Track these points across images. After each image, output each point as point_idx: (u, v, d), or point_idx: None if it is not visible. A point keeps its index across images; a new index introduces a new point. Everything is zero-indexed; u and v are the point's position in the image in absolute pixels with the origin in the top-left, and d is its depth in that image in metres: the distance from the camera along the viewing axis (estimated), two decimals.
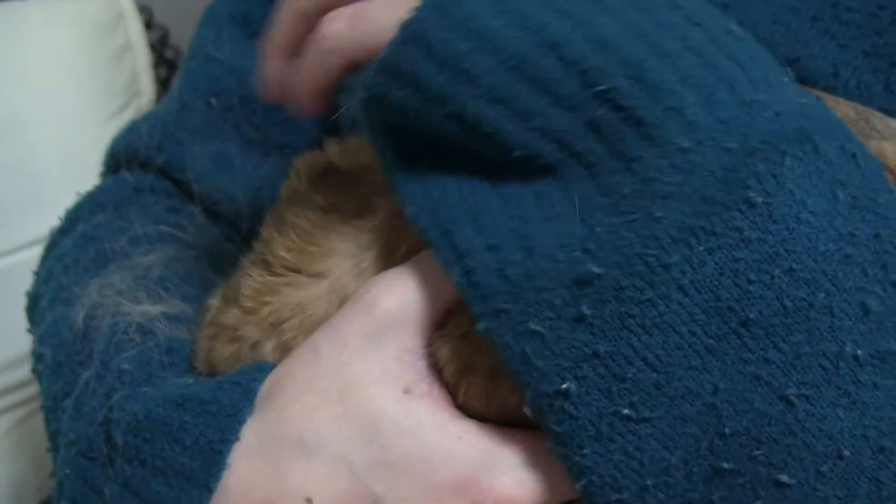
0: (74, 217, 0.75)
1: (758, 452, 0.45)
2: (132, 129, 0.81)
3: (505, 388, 0.49)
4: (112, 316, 0.62)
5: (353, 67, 0.53)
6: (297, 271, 0.56)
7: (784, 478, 0.45)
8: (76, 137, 1.14)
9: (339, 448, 0.50)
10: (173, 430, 0.52)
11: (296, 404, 0.51)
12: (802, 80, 0.60)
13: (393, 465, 0.49)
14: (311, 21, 0.55)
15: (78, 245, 0.70)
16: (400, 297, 0.51)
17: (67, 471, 0.57)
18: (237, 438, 0.51)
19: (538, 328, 0.45)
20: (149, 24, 1.26)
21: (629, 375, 0.44)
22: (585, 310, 0.44)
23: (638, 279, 0.44)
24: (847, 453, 0.45)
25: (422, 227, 0.48)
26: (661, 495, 0.45)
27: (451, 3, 0.47)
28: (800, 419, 0.44)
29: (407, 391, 0.50)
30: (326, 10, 0.54)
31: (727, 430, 0.44)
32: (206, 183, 0.76)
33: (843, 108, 0.55)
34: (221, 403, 0.52)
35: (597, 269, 0.44)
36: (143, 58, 1.21)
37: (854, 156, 0.47)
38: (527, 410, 0.46)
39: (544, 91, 0.46)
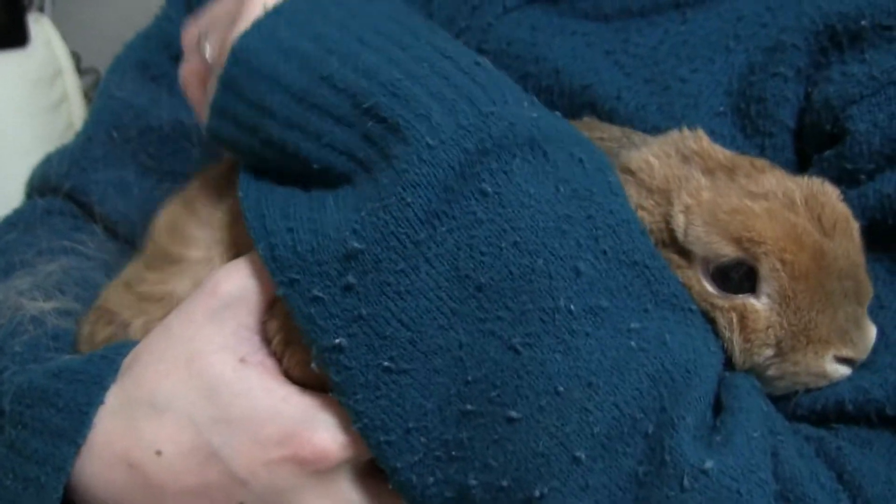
0: None
1: (493, 394, 0.54)
2: (46, 161, 0.91)
3: None
4: (12, 311, 0.71)
5: None
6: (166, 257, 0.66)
7: (514, 413, 0.54)
8: (14, 181, 1.24)
9: (185, 407, 0.59)
10: (50, 395, 0.61)
11: (150, 371, 0.61)
12: (592, 102, 0.72)
13: (229, 422, 0.59)
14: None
15: None
16: (238, 281, 0.61)
17: None
18: (102, 402, 0.61)
19: (319, 294, 0.55)
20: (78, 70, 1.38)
21: (388, 333, 0.54)
22: (352, 279, 0.55)
23: (393, 253, 0.54)
24: (562, 389, 0.54)
25: (246, 215, 0.59)
26: (422, 438, 0.55)
27: (251, 55, 0.59)
28: (524, 364, 0.54)
29: (242, 360, 0.60)
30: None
31: (469, 378, 0.54)
32: (107, 205, 0.86)
33: (612, 130, 0.67)
34: (90, 373, 0.62)
35: (359, 245, 0.54)
36: (78, 109, 1.32)
37: (581, 160, 0.58)
38: (314, 365, 0.56)
39: (327, 114, 0.58)
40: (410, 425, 0.55)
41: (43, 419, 0.61)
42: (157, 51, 0.91)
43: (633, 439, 0.55)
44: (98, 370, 0.62)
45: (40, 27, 1.30)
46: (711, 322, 0.61)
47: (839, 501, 0.57)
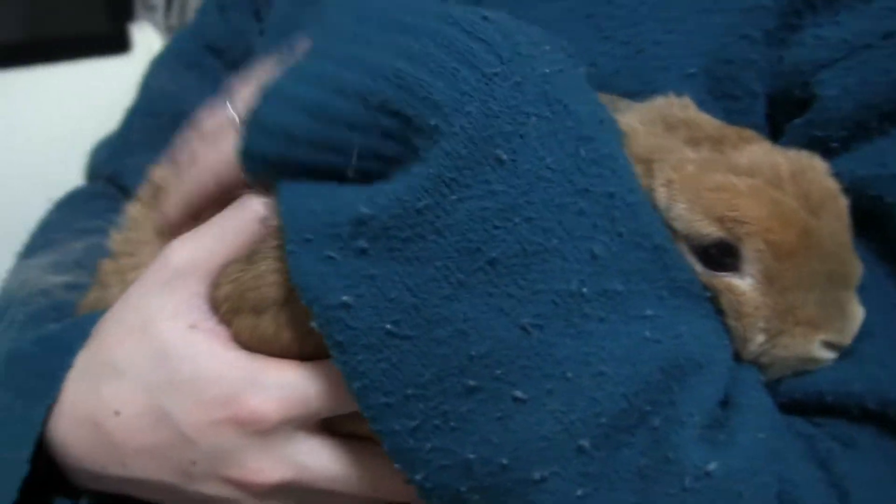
0: (42, 220, 0.92)
1: (498, 372, 0.53)
2: (95, 149, 0.98)
3: (265, 323, 0.60)
4: (28, 284, 0.76)
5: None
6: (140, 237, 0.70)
7: (520, 394, 0.53)
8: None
9: (138, 371, 0.61)
10: (30, 360, 0.66)
11: (110, 337, 0.63)
12: None
13: (177, 385, 0.61)
14: None
15: (33, 236, 0.87)
16: (189, 252, 0.63)
17: None
18: (70, 366, 0.64)
19: (332, 254, 0.54)
20: None
21: (392, 296, 0.53)
22: (363, 243, 0.54)
23: (399, 220, 0.53)
24: (570, 375, 0.52)
25: (277, 196, 0.58)
26: (420, 405, 0.54)
27: (272, 89, 0.58)
28: (533, 345, 0.52)
29: (192, 326, 0.62)
30: None
31: (473, 353, 0.53)
32: None
33: (601, 97, 0.63)
34: (63, 340, 0.66)
35: (367, 210, 0.53)
36: None
37: (602, 121, 0.56)
38: (314, 324, 0.55)
39: (345, 124, 0.55)
40: (409, 392, 0.54)
41: (22, 381, 0.65)
42: (191, 40, 0.96)
43: (638, 430, 0.53)
44: (70, 337, 0.65)
45: (143, 34, 1.38)
46: (718, 311, 0.59)
47: None
